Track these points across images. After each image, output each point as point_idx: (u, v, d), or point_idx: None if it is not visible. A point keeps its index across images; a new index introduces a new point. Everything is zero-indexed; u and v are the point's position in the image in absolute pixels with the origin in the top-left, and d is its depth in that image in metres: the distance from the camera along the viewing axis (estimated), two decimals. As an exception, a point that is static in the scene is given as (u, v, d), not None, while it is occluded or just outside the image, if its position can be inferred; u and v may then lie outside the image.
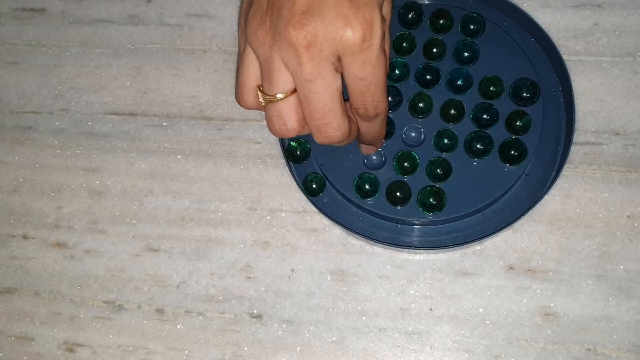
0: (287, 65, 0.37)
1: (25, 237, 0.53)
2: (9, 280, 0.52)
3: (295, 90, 0.38)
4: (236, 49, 0.54)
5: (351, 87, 0.38)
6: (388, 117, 0.48)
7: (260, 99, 0.40)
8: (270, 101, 0.39)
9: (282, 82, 0.38)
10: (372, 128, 0.42)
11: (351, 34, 0.35)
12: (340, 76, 0.38)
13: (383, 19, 0.37)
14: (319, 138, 0.40)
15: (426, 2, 0.51)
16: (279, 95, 0.38)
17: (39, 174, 0.54)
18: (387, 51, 0.40)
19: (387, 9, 0.40)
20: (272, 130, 0.40)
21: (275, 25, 0.36)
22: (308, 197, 0.48)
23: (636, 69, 0.49)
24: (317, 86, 0.37)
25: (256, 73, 0.40)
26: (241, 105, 0.41)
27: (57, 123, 0.55)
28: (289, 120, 0.39)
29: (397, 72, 0.49)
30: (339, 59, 0.37)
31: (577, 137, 0.48)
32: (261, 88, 0.39)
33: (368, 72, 0.37)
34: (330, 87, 0.37)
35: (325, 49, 0.36)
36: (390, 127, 0.48)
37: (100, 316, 0.50)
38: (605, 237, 0.46)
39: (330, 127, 0.39)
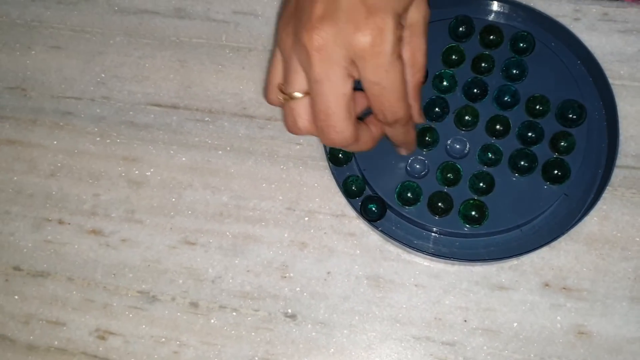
0: (302, 66, 0.39)
1: (60, 222, 0.53)
2: (43, 263, 0.52)
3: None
4: (282, 50, 0.55)
5: (367, 91, 0.39)
6: (431, 127, 0.48)
7: (280, 97, 0.41)
8: (288, 99, 0.41)
9: (298, 82, 0.40)
10: (395, 133, 0.43)
11: (360, 39, 0.36)
12: (351, 81, 0.39)
13: (400, 25, 0.38)
14: (322, 139, 0.41)
15: (481, 18, 0.51)
16: (296, 94, 0.40)
17: (77, 160, 0.54)
18: (416, 58, 0.41)
19: (416, 15, 0.40)
20: (286, 127, 0.42)
21: (296, 28, 0.38)
22: (347, 199, 0.49)
23: (679, 98, 0.50)
24: (323, 88, 0.38)
25: (281, 72, 0.42)
26: (266, 101, 0.43)
27: (98, 110, 0.55)
28: (299, 119, 0.41)
29: (444, 83, 0.49)
30: (353, 63, 0.38)
31: (617, 161, 0.49)
32: (281, 87, 0.41)
33: (381, 77, 0.38)
34: (336, 90, 0.38)
35: (336, 53, 0.37)
36: (434, 137, 0.48)
37: (133, 306, 0.50)
38: (641, 261, 0.47)
39: (333, 130, 0.40)
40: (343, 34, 0.37)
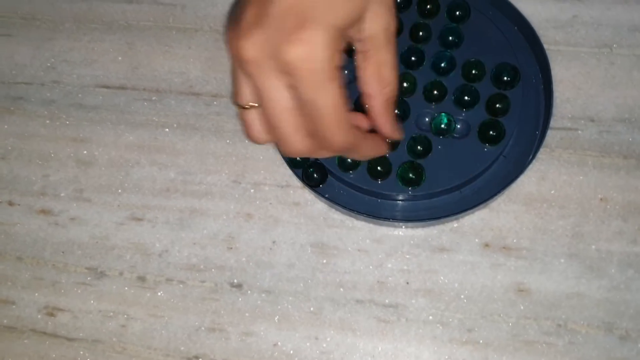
0: (247, 76, 0.36)
1: (10, 204, 0.53)
2: (-7, 245, 0.53)
3: None
4: (227, 29, 0.56)
5: (302, 110, 0.36)
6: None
7: (234, 106, 0.39)
8: (240, 109, 0.38)
9: (246, 93, 0.37)
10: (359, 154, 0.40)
11: (288, 52, 0.33)
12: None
13: (340, 40, 0.34)
14: (280, 150, 0.39)
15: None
16: (247, 105, 0.37)
17: (27, 143, 0.55)
18: (382, 73, 0.37)
19: (374, 26, 0.36)
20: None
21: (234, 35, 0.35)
22: (292, 169, 0.49)
23: (612, 60, 0.51)
24: (267, 100, 0.35)
25: None
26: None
27: (48, 94, 0.56)
28: (250, 130, 0.38)
29: (382, 53, 0.50)
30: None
31: (554, 123, 0.50)
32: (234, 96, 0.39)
33: (313, 96, 0.34)
34: (279, 103, 0.35)
35: (267, 64, 0.34)
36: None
37: (82, 282, 0.51)
38: (579, 218, 0.48)
39: (282, 143, 0.37)
40: (271, 44, 0.33)
